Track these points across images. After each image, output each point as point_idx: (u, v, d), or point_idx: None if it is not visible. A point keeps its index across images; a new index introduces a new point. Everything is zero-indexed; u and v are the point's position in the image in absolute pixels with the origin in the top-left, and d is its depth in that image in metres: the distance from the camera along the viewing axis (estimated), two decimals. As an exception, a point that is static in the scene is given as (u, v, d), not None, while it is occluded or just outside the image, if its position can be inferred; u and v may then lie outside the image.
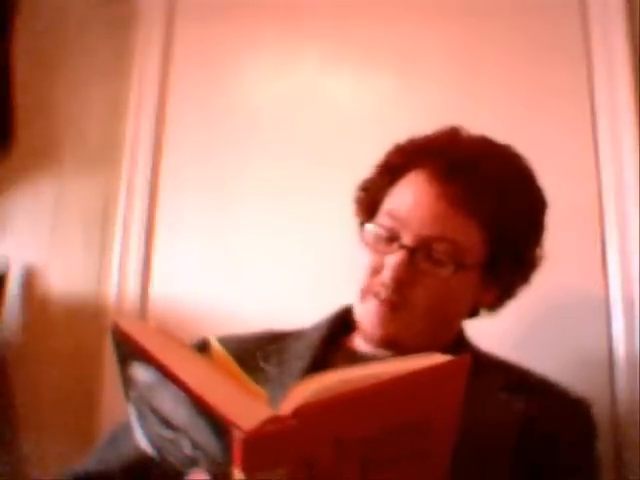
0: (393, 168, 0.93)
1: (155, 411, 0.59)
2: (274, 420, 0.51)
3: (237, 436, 0.49)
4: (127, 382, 0.62)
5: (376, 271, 0.87)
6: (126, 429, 0.81)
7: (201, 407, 0.52)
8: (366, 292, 0.88)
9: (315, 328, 0.96)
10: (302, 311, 1.08)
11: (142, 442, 0.64)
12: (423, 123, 0.95)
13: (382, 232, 0.88)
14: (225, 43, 1.61)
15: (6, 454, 1.52)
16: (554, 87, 1.34)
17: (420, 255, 0.84)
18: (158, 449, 0.62)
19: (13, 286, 1.63)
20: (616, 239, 1.24)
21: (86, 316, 1.55)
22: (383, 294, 0.85)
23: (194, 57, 1.64)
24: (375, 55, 1.49)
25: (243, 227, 1.49)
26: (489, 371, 0.87)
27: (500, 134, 0.93)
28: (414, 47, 1.46)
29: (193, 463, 0.57)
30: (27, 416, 1.55)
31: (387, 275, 0.84)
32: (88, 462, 0.89)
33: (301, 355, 0.91)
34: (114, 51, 1.70)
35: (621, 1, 1.33)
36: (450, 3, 1.45)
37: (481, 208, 0.85)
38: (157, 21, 1.67)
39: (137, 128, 1.62)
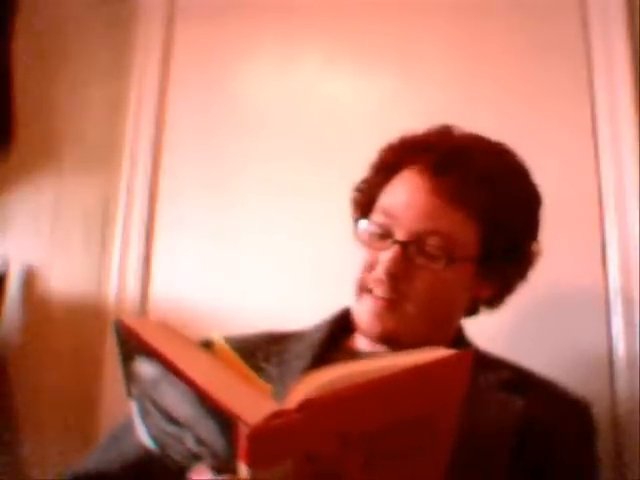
0: (386, 166, 0.94)
1: (158, 407, 0.59)
2: (279, 414, 0.51)
3: (242, 430, 0.49)
4: (130, 378, 0.62)
5: (370, 267, 0.87)
6: (126, 429, 0.82)
7: (206, 402, 0.52)
8: (361, 288, 0.88)
9: (316, 329, 0.96)
10: (302, 311, 1.08)
11: (144, 438, 0.64)
12: (423, 123, 0.95)
13: (376, 229, 0.89)
14: (225, 43, 1.61)
15: (6, 454, 1.52)
16: (554, 87, 1.34)
17: (413, 250, 0.85)
18: (160, 445, 0.62)
19: (13, 286, 1.63)
20: (616, 238, 1.24)
21: (86, 316, 1.55)
22: (378, 291, 0.86)
23: (194, 57, 1.64)
24: (375, 55, 1.49)
25: (243, 227, 1.49)
26: (488, 370, 0.87)
27: (500, 134, 0.93)
28: (414, 47, 1.46)
29: (196, 458, 0.57)
30: (27, 416, 1.55)
31: (381, 270, 0.85)
32: (88, 462, 0.89)
33: (302, 355, 0.91)
34: (114, 51, 1.70)
35: (621, 1, 1.33)
36: (450, 3, 1.45)
37: (473, 201, 0.86)
38: (157, 21, 1.67)
39: (137, 128, 1.62)
